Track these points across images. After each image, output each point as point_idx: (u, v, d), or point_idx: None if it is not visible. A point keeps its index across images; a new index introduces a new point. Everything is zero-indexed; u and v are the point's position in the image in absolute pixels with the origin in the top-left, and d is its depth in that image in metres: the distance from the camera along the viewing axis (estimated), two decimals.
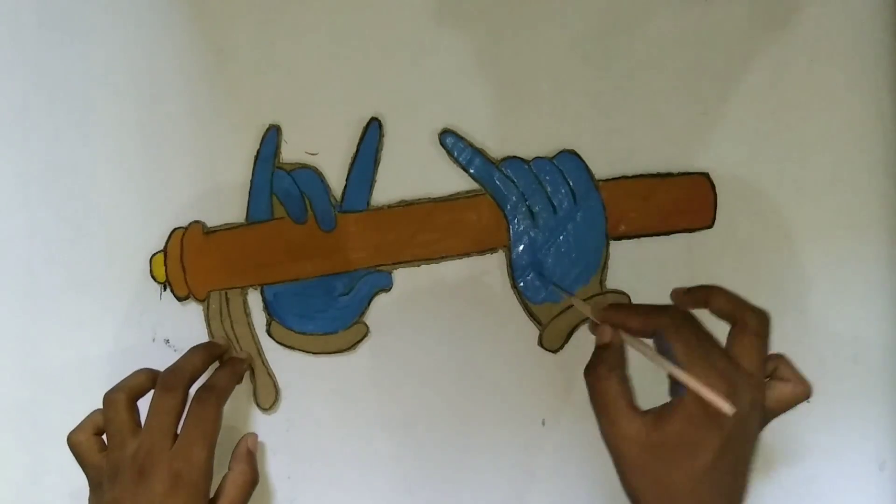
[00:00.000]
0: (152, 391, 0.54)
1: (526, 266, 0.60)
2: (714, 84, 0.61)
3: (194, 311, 0.61)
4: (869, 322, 0.62)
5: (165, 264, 0.61)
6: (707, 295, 0.50)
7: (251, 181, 0.60)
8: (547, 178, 0.60)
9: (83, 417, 0.55)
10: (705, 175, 0.60)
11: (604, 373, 0.47)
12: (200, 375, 0.57)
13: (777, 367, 0.50)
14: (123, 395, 0.54)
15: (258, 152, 0.60)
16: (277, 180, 0.60)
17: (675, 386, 0.48)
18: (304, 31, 0.60)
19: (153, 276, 0.61)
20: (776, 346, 0.60)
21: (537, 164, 0.60)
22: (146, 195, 0.61)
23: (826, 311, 0.62)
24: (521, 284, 0.60)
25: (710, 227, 0.61)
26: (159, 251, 0.61)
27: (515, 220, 0.60)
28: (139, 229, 0.61)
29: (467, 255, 0.61)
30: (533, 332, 0.61)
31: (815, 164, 0.61)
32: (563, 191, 0.60)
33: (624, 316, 0.49)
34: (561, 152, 0.60)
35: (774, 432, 0.61)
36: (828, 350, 0.62)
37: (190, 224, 0.61)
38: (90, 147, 0.61)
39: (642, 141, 0.60)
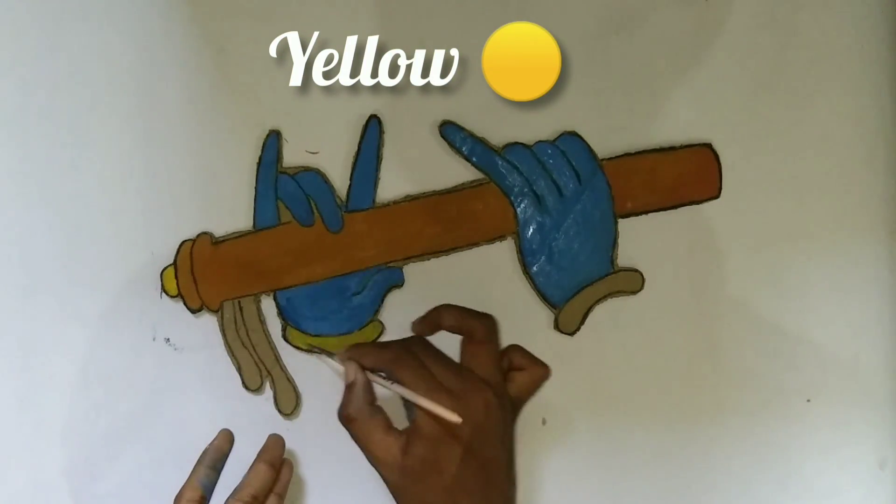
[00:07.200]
0: None
1: (536, 251, 0.60)
2: (713, 84, 0.61)
3: (191, 315, 0.61)
4: (869, 322, 0.62)
5: (176, 277, 0.61)
6: (437, 317, 0.53)
7: (255, 188, 0.61)
8: (550, 161, 0.60)
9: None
10: (708, 146, 0.60)
11: (353, 413, 0.49)
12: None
13: (511, 359, 0.53)
14: None
15: (260, 158, 0.60)
16: (282, 185, 0.60)
17: (410, 410, 0.50)
18: (303, 29, 0.60)
19: (165, 291, 0.61)
20: (778, 345, 0.62)
21: (539, 148, 0.60)
22: (145, 194, 0.61)
23: (826, 311, 0.62)
24: (535, 270, 0.60)
25: (716, 197, 0.61)
26: (169, 265, 0.61)
27: (522, 206, 0.60)
28: (138, 227, 0.61)
29: (476, 244, 0.61)
30: (548, 319, 0.61)
31: (815, 164, 0.61)
32: (567, 173, 0.60)
33: (359, 354, 0.52)
34: (562, 134, 0.60)
35: (774, 432, 0.62)
36: (828, 350, 0.62)
37: (198, 235, 0.61)
38: (90, 146, 0.61)
39: (641, 133, 0.61)
